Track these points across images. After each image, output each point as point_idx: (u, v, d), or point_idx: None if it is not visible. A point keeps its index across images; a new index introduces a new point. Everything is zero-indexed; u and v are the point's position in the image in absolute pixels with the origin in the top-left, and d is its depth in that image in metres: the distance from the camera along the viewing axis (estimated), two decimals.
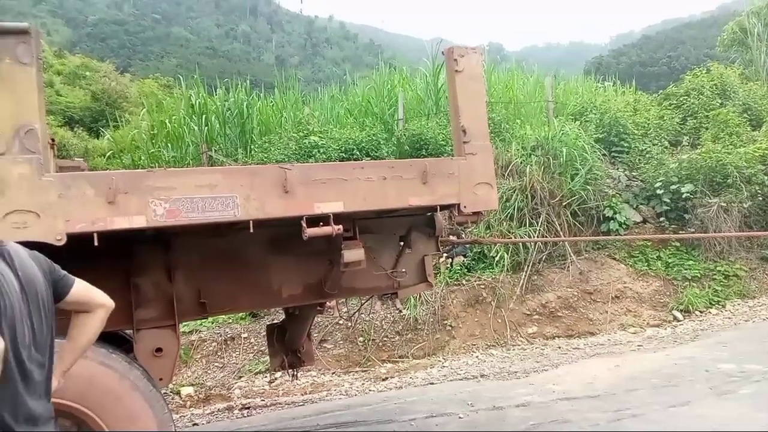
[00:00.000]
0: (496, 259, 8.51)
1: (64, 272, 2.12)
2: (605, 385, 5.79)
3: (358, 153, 9.02)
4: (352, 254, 3.54)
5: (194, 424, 5.73)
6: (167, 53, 26.14)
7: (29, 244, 2.40)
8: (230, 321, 8.57)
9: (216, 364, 7.98)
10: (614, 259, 9.27)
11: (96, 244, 2.68)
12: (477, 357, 7.71)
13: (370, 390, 7.10)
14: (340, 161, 8.19)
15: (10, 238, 2.47)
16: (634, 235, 9.45)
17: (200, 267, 3.65)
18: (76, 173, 2.77)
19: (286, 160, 8.42)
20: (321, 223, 3.17)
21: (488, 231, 8.72)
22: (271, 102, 11.41)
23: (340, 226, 3.22)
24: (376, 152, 9.20)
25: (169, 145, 9.46)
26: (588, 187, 9.08)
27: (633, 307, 8.75)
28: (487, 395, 5.83)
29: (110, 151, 9.24)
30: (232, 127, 9.38)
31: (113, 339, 3.48)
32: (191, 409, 6.73)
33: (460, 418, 5.21)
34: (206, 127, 9.02)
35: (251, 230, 3.04)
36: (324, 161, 8.35)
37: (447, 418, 5.21)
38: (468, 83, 3.64)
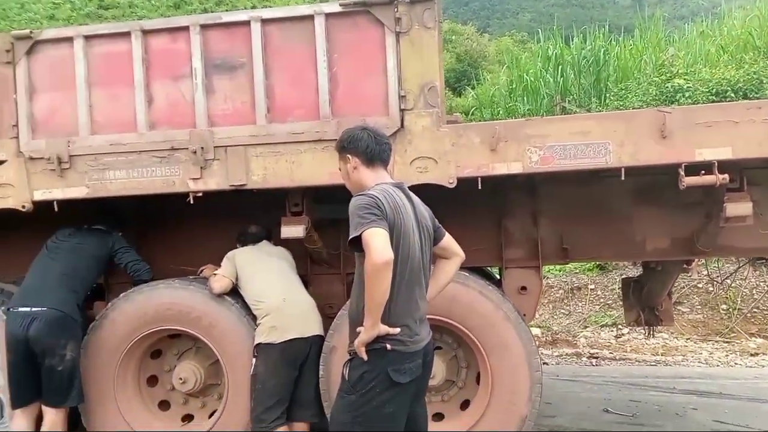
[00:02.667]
0: None
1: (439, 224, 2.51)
2: None
3: (732, 95, 7.76)
4: (737, 208, 3.13)
5: (544, 363, 6.02)
6: (522, 9, 26.54)
7: (422, 189, 2.83)
8: (577, 271, 8.59)
9: (562, 311, 8.16)
10: None
11: (479, 187, 3.00)
12: None
13: (735, 363, 6.31)
14: None
15: (414, 181, 2.98)
16: None
17: (564, 214, 3.75)
18: (466, 124, 3.13)
19: (644, 107, 7.80)
20: (702, 172, 2.90)
21: None
22: (630, 46, 10.62)
23: (726, 175, 2.89)
24: (756, 93, 7.76)
25: (525, 98, 9.78)
26: None
27: None
28: None
29: (472, 108, 10.05)
30: (587, 77, 9.15)
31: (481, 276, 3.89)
32: (539, 349, 7.06)
33: None
34: (561, 78, 9.01)
35: (622, 178, 2.97)
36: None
37: None
38: None
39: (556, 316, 8.08)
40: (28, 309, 3.22)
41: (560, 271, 8.71)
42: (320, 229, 3.56)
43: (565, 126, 2.96)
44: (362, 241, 2.10)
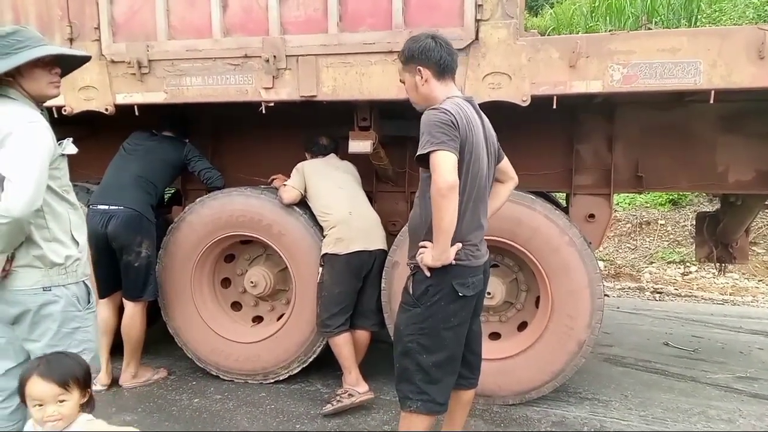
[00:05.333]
0: None
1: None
2: None
3: None
4: None
5: (605, 295, 5.98)
6: None
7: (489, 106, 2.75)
8: (648, 205, 8.29)
9: (627, 245, 7.96)
10: None
11: (554, 106, 2.88)
12: None
13: None
14: None
15: (485, 97, 2.90)
16: None
17: (641, 140, 3.58)
18: (545, 37, 2.96)
19: None
20: None
21: None
22: None
23: None
24: None
25: (608, 18, 9.13)
26: None
27: None
28: None
29: (549, 28, 9.48)
30: None
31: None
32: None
33: None
34: None
35: (711, 101, 2.78)
36: None
37: None
38: None
39: (621, 250, 7.90)
40: (106, 207, 3.41)
41: (629, 203, 8.42)
42: (387, 146, 3.56)
43: (653, 42, 2.76)
44: (429, 161, 2.08)
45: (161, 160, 3.62)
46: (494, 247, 3.21)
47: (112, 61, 3.21)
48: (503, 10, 2.81)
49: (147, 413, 3.28)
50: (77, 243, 2.27)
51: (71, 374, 1.78)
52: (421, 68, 2.25)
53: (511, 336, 3.48)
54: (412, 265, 2.30)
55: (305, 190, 3.44)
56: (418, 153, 2.11)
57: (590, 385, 3.67)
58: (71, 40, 3.21)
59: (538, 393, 3.29)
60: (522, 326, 3.49)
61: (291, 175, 3.48)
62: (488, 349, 3.19)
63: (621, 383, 3.74)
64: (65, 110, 3.27)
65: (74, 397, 1.76)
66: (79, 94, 3.26)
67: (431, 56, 2.24)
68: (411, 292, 2.28)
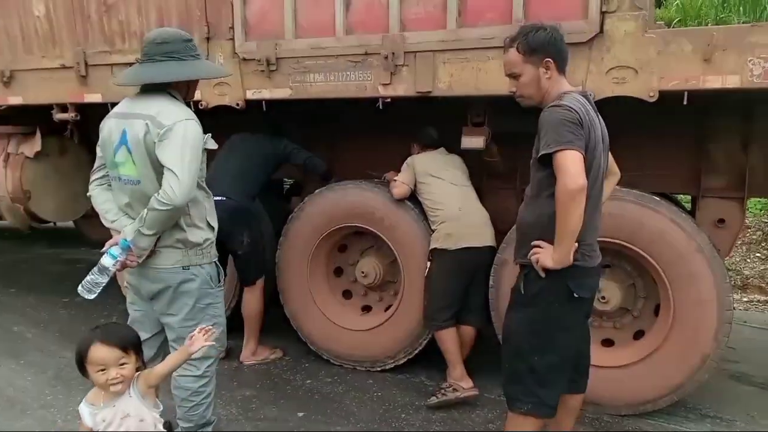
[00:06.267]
0: None
1: None
2: None
3: None
4: None
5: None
6: None
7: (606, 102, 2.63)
8: None
9: (757, 254, 7.29)
10: None
11: (685, 102, 2.72)
12: None
13: None
14: None
15: (608, 93, 2.79)
16: None
17: None
18: (676, 29, 2.80)
19: None
20: None
21: None
22: None
23: None
24: None
25: (742, 8, 8.38)
26: None
27: None
28: None
29: (675, 20, 8.86)
30: None
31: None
32: None
33: None
34: None
35: None
36: None
37: None
38: None
39: (749, 260, 7.25)
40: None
41: (761, 210, 7.71)
42: (498, 142, 3.53)
43: None
44: (555, 160, 2.01)
45: (262, 155, 3.81)
46: (611, 249, 3.09)
47: (244, 59, 3.43)
48: (632, 1, 2.68)
49: (264, 390, 3.51)
50: (212, 227, 2.49)
51: (129, 340, 1.91)
52: (550, 60, 2.15)
53: (625, 344, 3.33)
54: (524, 264, 2.25)
55: (415, 185, 3.49)
56: (542, 152, 2.05)
57: (712, 403, 3.42)
58: (208, 39, 3.47)
59: (654, 406, 3.13)
60: (638, 334, 3.33)
61: (401, 169, 3.54)
62: (600, 356, 3.10)
63: (747, 403, 3.45)
64: (201, 105, 3.55)
65: (132, 360, 1.88)
66: (215, 89, 3.52)
67: (560, 47, 2.17)
68: (524, 291, 2.23)
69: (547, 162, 2.06)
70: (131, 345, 1.90)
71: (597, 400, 3.13)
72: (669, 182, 3.54)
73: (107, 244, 2.35)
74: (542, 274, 2.14)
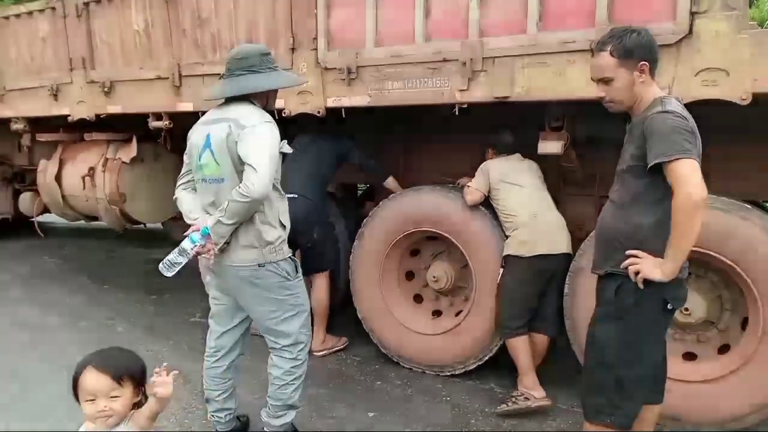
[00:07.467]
0: None
1: None
2: None
3: None
4: None
5: None
6: None
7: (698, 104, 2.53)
8: None
9: None
10: None
11: None
12: None
13: None
14: None
15: (696, 95, 2.69)
16: None
17: None
18: None
19: None
20: None
21: None
22: None
23: None
24: None
25: None
26: None
27: None
28: None
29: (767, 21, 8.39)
30: None
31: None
32: None
33: None
34: None
35: None
36: None
37: None
38: None
39: None
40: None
41: None
42: (576, 148, 3.47)
43: None
44: (672, 169, 1.94)
45: (329, 154, 3.95)
46: (697, 259, 2.95)
47: (326, 68, 3.56)
48: (724, 1, 2.59)
49: (336, 389, 3.59)
50: (284, 226, 2.63)
51: (126, 369, 1.69)
52: (645, 63, 2.10)
53: (709, 358, 3.17)
54: (614, 274, 2.17)
55: (489, 191, 3.48)
56: (657, 160, 1.97)
57: None
58: (293, 49, 3.63)
59: (740, 425, 2.95)
60: (723, 349, 3.17)
61: (475, 174, 3.54)
62: (681, 369, 2.99)
63: None
64: (285, 112, 3.71)
65: (126, 393, 1.68)
66: (297, 98, 3.67)
67: (655, 50, 2.13)
68: (615, 303, 2.16)
69: (655, 170, 2.00)
70: (128, 376, 1.69)
71: (677, 416, 3.00)
72: (760, 188, 3.37)
73: (189, 230, 2.56)
74: (641, 286, 2.08)
